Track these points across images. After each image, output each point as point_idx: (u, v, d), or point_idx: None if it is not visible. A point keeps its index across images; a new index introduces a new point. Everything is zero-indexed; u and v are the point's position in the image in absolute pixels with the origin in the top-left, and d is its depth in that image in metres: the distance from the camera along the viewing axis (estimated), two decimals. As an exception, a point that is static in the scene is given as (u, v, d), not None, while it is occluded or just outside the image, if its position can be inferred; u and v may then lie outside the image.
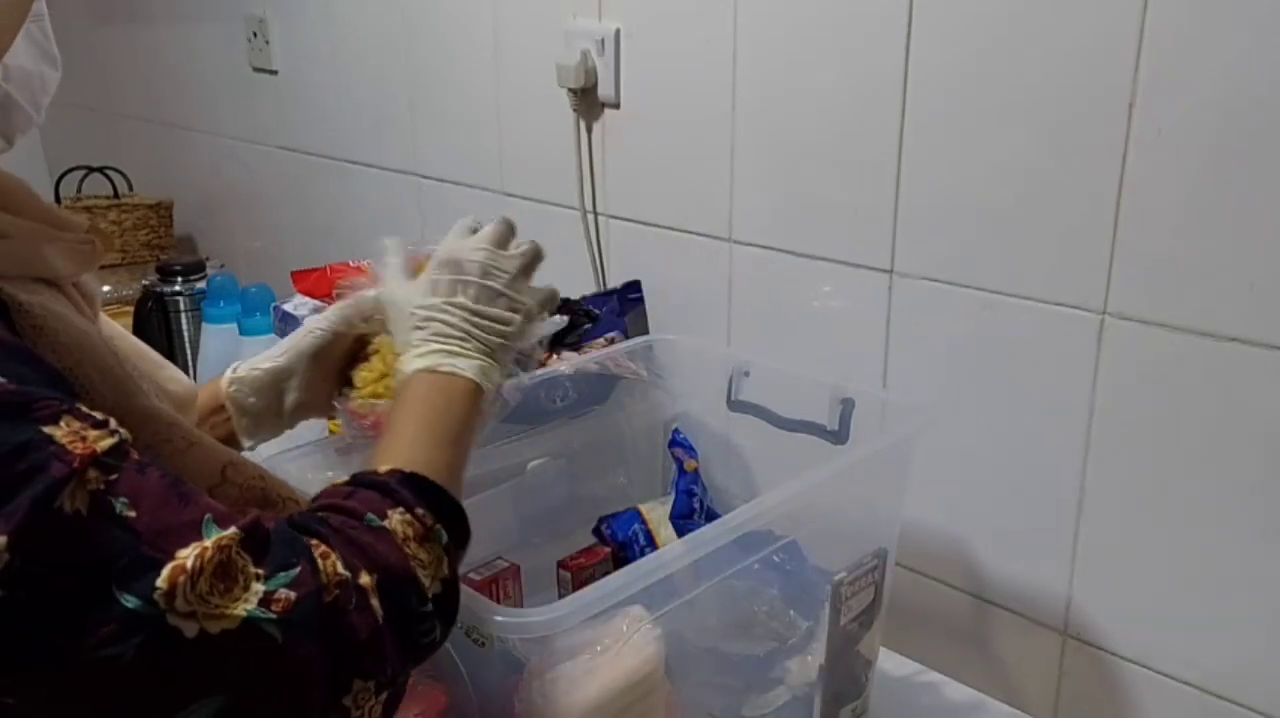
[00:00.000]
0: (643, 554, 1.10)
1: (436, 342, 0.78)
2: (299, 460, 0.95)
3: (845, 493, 0.99)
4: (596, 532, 1.15)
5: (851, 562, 0.96)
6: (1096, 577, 1.07)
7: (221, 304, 1.65)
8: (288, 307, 1.39)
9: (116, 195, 2.33)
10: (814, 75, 1.18)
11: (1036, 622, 1.12)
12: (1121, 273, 0.98)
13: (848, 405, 1.07)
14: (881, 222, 1.14)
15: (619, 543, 1.14)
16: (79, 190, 2.34)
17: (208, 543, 0.52)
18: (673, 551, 0.83)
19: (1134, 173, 0.96)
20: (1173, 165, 0.93)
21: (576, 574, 1.10)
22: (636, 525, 1.15)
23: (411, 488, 0.66)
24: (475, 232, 0.85)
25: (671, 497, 1.18)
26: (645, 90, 1.37)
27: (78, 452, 0.51)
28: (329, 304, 1.33)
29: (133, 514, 0.52)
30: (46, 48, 0.70)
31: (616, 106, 1.40)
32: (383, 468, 0.67)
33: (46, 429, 0.51)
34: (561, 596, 1.04)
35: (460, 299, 0.79)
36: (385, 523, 0.62)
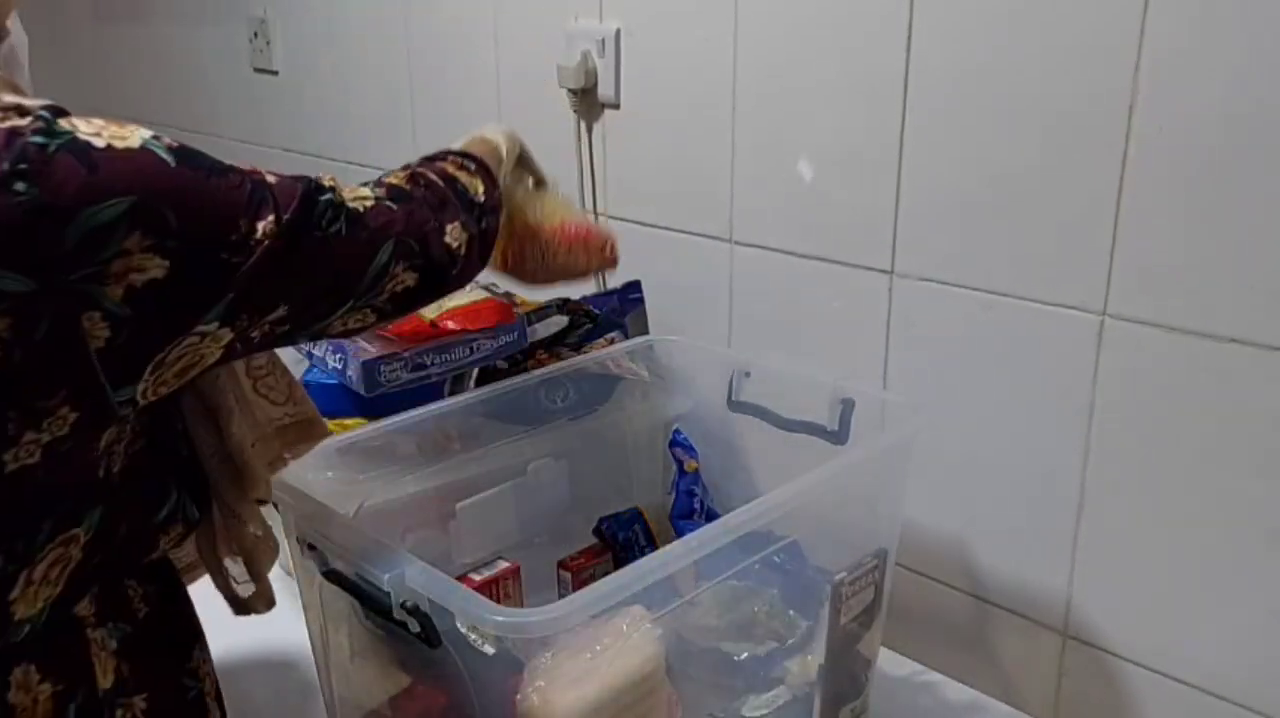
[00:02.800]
0: (643, 554, 1.10)
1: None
2: (299, 462, 0.95)
3: (845, 493, 0.99)
4: (597, 532, 1.16)
5: (851, 562, 0.96)
6: (1096, 577, 1.07)
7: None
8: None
9: (117, 195, 2.32)
10: (814, 75, 1.18)
11: (1036, 622, 1.12)
12: (1121, 274, 0.98)
13: (848, 406, 1.07)
14: (882, 222, 1.15)
15: (619, 543, 1.14)
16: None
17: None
18: (673, 551, 0.83)
19: (1134, 173, 0.96)
20: (1173, 166, 0.93)
21: (576, 574, 1.10)
22: (637, 526, 1.15)
23: (475, 160, 0.89)
24: None
25: (672, 497, 1.18)
26: (645, 91, 1.37)
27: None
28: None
29: (275, 179, 0.71)
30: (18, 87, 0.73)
31: (617, 107, 1.40)
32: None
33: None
34: (561, 595, 1.05)
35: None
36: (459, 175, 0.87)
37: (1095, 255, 0.99)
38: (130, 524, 0.73)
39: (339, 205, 0.71)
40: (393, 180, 0.80)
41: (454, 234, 0.80)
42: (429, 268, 0.77)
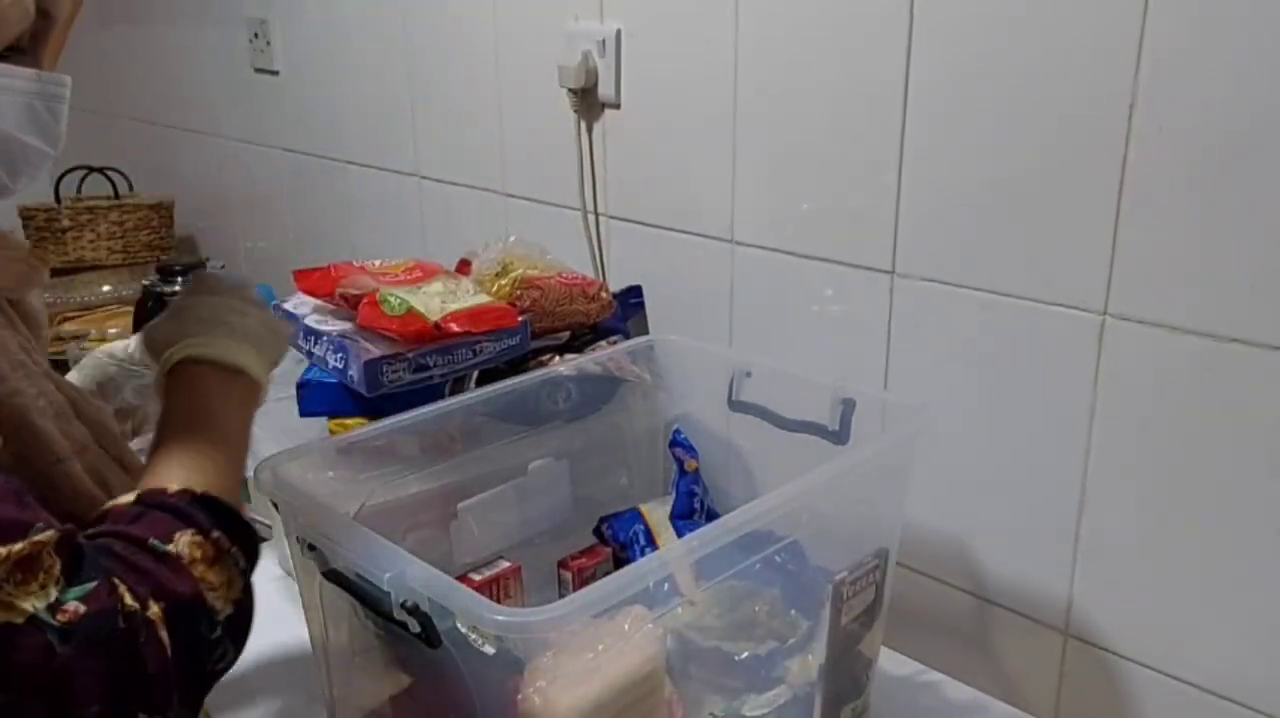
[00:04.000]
0: (643, 554, 1.10)
1: (198, 329, 0.77)
2: (299, 459, 0.95)
3: (846, 493, 0.99)
4: (597, 532, 1.16)
5: (852, 562, 0.96)
6: (1098, 577, 1.07)
7: (222, 304, 1.65)
8: (288, 305, 1.39)
9: (117, 196, 2.33)
10: (815, 76, 1.18)
11: (1037, 622, 1.12)
12: (1122, 273, 0.98)
13: (848, 406, 1.07)
14: (882, 222, 1.14)
15: (619, 543, 1.14)
16: (79, 190, 2.34)
17: (19, 543, 0.54)
18: (673, 551, 0.83)
19: (1134, 173, 0.96)
20: (1173, 165, 0.93)
21: (577, 574, 1.10)
22: (637, 526, 1.15)
23: (205, 509, 0.65)
24: None
25: (672, 497, 1.18)
26: (646, 91, 1.37)
27: None
28: (330, 303, 1.34)
29: None
30: (46, 124, 0.71)
31: (617, 107, 1.40)
32: (172, 487, 0.66)
33: None
34: (562, 595, 1.04)
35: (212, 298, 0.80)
36: (171, 547, 0.61)
37: (1096, 255, 0.99)
38: None
39: None
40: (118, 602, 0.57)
41: None
42: None
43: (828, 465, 0.96)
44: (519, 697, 0.78)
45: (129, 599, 0.57)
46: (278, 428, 1.19)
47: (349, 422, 1.17)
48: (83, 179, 2.32)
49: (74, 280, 2.06)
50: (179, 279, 1.88)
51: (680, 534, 1.11)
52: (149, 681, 0.56)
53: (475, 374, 1.21)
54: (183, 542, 0.62)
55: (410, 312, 1.17)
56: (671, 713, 0.88)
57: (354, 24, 1.80)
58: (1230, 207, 0.91)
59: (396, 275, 1.31)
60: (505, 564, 1.03)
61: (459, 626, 0.77)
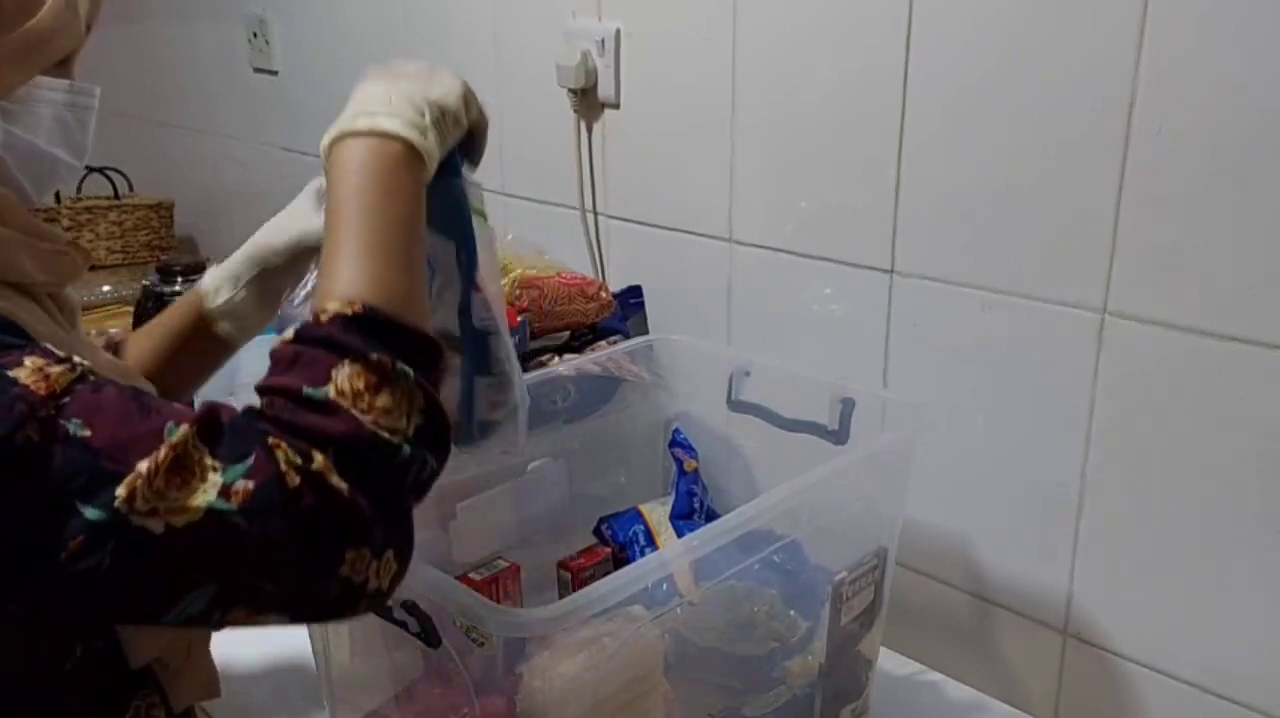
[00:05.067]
0: (643, 554, 1.10)
1: (356, 108, 0.72)
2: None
3: (846, 493, 0.99)
4: (597, 532, 1.16)
5: (852, 562, 0.96)
6: (1097, 576, 1.06)
7: (222, 304, 1.65)
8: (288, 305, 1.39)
9: (117, 196, 2.33)
10: (814, 75, 1.18)
11: (1037, 621, 1.12)
12: (1121, 272, 0.98)
13: (848, 405, 1.07)
14: (882, 222, 1.14)
15: (619, 543, 1.14)
16: (79, 190, 2.34)
17: (162, 447, 0.54)
18: (673, 551, 0.83)
19: (1134, 172, 0.96)
20: (1173, 165, 0.93)
21: (576, 574, 1.10)
22: (637, 526, 1.15)
23: (360, 332, 0.60)
24: None
25: (672, 497, 1.18)
26: (645, 90, 1.37)
27: (40, 392, 0.54)
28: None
29: (88, 433, 0.54)
30: (74, 136, 0.71)
31: (617, 107, 1.40)
32: (329, 308, 0.61)
33: (12, 373, 0.54)
34: (562, 596, 1.04)
35: (384, 76, 0.75)
36: (327, 390, 0.58)
37: (1095, 254, 0.99)
38: None
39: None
40: (282, 467, 0.57)
41: (357, 564, 0.58)
42: (301, 615, 0.61)
43: (827, 465, 0.96)
44: (518, 697, 0.79)
45: (292, 456, 0.56)
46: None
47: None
48: (82, 179, 2.31)
49: (74, 280, 2.06)
50: (179, 279, 1.88)
51: (680, 534, 1.11)
52: (336, 525, 0.56)
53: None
54: (341, 377, 0.59)
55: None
56: (670, 714, 0.88)
57: (354, 23, 1.80)
58: (1230, 207, 0.91)
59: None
60: (505, 564, 1.02)
61: (459, 626, 0.77)
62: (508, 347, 0.82)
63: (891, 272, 1.15)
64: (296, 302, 0.96)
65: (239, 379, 1.12)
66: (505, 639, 0.77)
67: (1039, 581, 1.11)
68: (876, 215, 1.15)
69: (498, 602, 0.95)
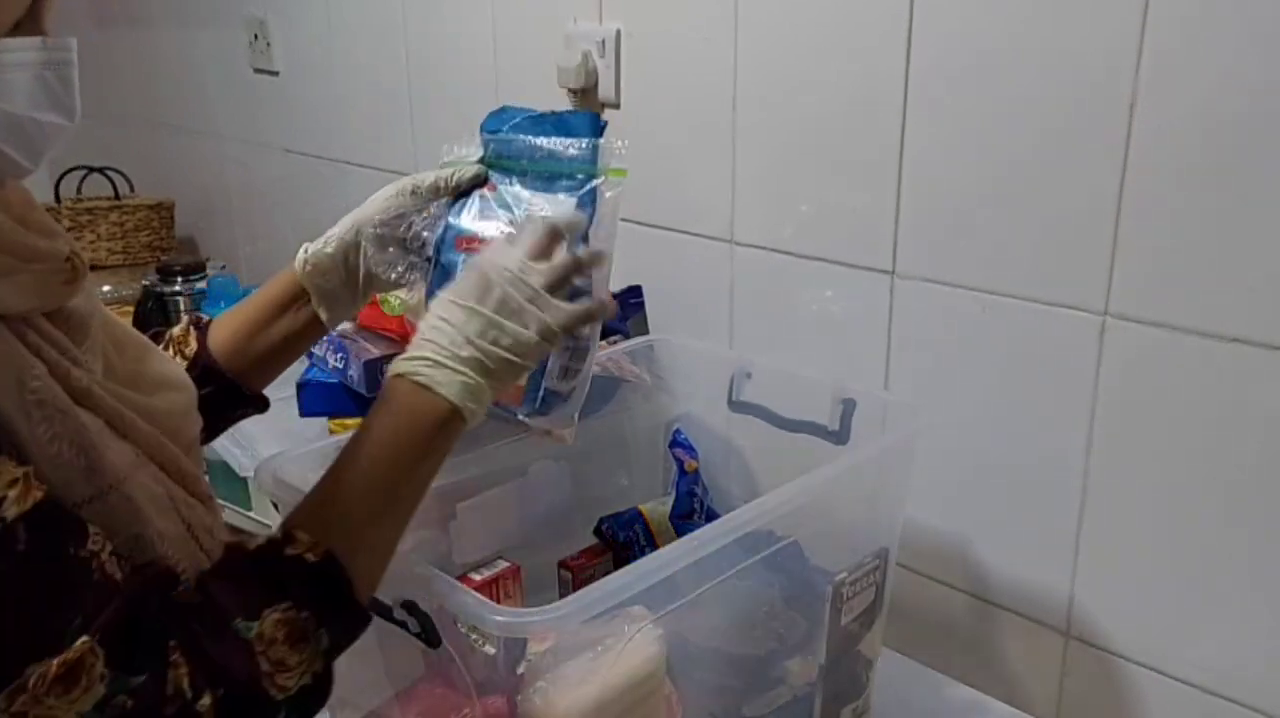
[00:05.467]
0: (643, 554, 1.10)
1: (430, 347, 0.72)
2: (299, 462, 0.95)
3: (846, 493, 0.99)
4: (597, 532, 1.15)
5: (852, 562, 0.96)
6: (1098, 577, 1.06)
7: (222, 305, 1.65)
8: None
9: (117, 196, 2.33)
10: (815, 76, 1.18)
11: (1038, 622, 1.12)
12: (1122, 274, 0.98)
13: (849, 406, 1.07)
14: (883, 223, 1.14)
15: (619, 543, 1.14)
16: (79, 191, 2.34)
17: (55, 660, 0.54)
18: (673, 551, 0.83)
19: (1135, 173, 0.96)
20: (1173, 166, 0.93)
21: (577, 574, 1.10)
22: (637, 526, 1.15)
23: (311, 587, 0.63)
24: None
25: (672, 497, 1.18)
26: (646, 91, 1.37)
27: None
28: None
29: None
30: (59, 96, 0.66)
31: (617, 107, 1.40)
32: (300, 538, 0.64)
33: None
34: (562, 596, 1.04)
35: (473, 304, 0.73)
36: (252, 627, 0.61)
37: (1097, 255, 0.99)
38: None
39: None
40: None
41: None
42: None
43: (828, 466, 0.96)
44: (519, 697, 0.78)
45: (185, 685, 0.57)
46: (278, 428, 1.19)
47: (349, 422, 1.17)
48: (83, 179, 2.32)
49: (74, 281, 2.06)
50: (179, 279, 1.89)
51: (680, 534, 1.11)
52: None
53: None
54: (269, 620, 0.61)
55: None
56: (671, 713, 0.88)
57: (354, 25, 1.80)
58: (1230, 207, 0.91)
59: (396, 275, 1.30)
60: (505, 564, 1.02)
61: (459, 626, 0.77)
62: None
63: (892, 273, 1.15)
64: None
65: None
66: (505, 639, 0.77)
67: (1040, 581, 1.11)
68: (877, 217, 1.15)
69: (498, 602, 0.95)
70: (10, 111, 0.62)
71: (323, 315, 0.92)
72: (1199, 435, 0.97)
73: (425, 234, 0.90)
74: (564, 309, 0.75)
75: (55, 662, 0.54)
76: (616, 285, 1.39)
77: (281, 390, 1.05)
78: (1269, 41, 0.87)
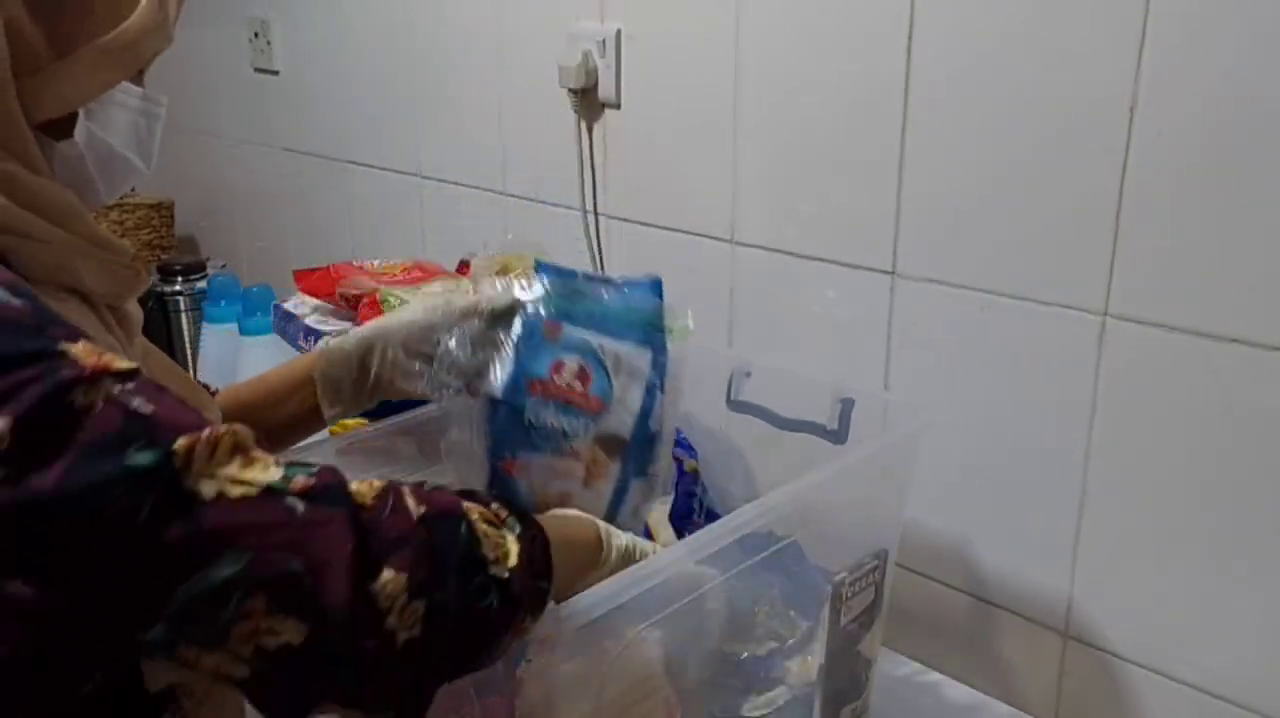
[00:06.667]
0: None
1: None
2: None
3: (846, 493, 0.99)
4: (597, 532, 1.15)
5: (852, 562, 0.96)
6: (1098, 578, 1.06)
7: (222, 304, 1.65)
8: (288, 305, 1.39)
9: (118, 195, 2.33)
10: (816, 76, 1.18)
11: (1037, 623, 1.12)
12: (1123, 274, 0.98)
13: (848, 406, 1.07)
14: (883, 223, 1.14)
15: (619, 543, 1.14)
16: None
17: (225, 428, 0.53)
18: (673, 551, 0.83)
19: (1135, 174, 0.96)
20: (1173, 166, 0.93)
21: (577, 574, 1.10)
22: (637, 526, 1.15)
23: (513, 513, 0.65)
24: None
25: (672, 497, 1.18)
26: (646, 91, 1.37)
27: (90, 364, 0.52)
28: (330, 303, 1.34)
29: (150, 409, 0.52)
30: (145, 143, 0.73)
31: (617, 107, 1.40)
32: (534, 534, 0.66)
33: (63, 345, 0.52)
34: (562, 596, 1.04)
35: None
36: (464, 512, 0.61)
37: (1096, 255, 0.99)
38: None
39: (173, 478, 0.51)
40: (352, 487, 0.56)
41: (390, 587, 0.54)
42: (320, 625, 0.52)
43: (827, 465, 0.96)
44: (518, 697, 0.78)
45: (376, 484, 0.56)
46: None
47: (349, 422, 1.17)
48: (83, 179, 2.32)
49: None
50: (179, 279, 1.89)
51: (680, 535, 1.11)
52: (392, 540, 0.55)
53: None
54: (513, 551, 0.62)
55: (410, 312, 1.17)
56: (670, 714, 0.88)
57: (355, 23, 1.80)
58: (1230, 206, 0.91)
59: (396, 275, 1.31)
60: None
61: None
62: (669, 454, 0.91)
63: (893, 273, 1.15)
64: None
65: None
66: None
67: (1039, 582, 1.11)
68: (878, 217, 1.15)
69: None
70: (110, 143, 0.69)
71: (324, 407, 0.93)
72: (1199, 435, 0.97)
73: (456, 352, 0.91)
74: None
75: (224, 432, 0.52)
76: (616, 285, 1.39)
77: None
78: (1269, 41, 0.87)
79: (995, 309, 1.08)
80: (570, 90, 1.42)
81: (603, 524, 0.79)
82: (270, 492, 0.52)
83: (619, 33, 1.37)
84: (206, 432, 0.52)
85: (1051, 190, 1.01)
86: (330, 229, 1.96)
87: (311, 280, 1.38)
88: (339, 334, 0.95)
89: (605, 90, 1.40)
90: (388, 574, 0.54)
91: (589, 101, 1.42)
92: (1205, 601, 0.99)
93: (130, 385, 0.52)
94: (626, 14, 1.36)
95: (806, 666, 0.99)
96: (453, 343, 0.91)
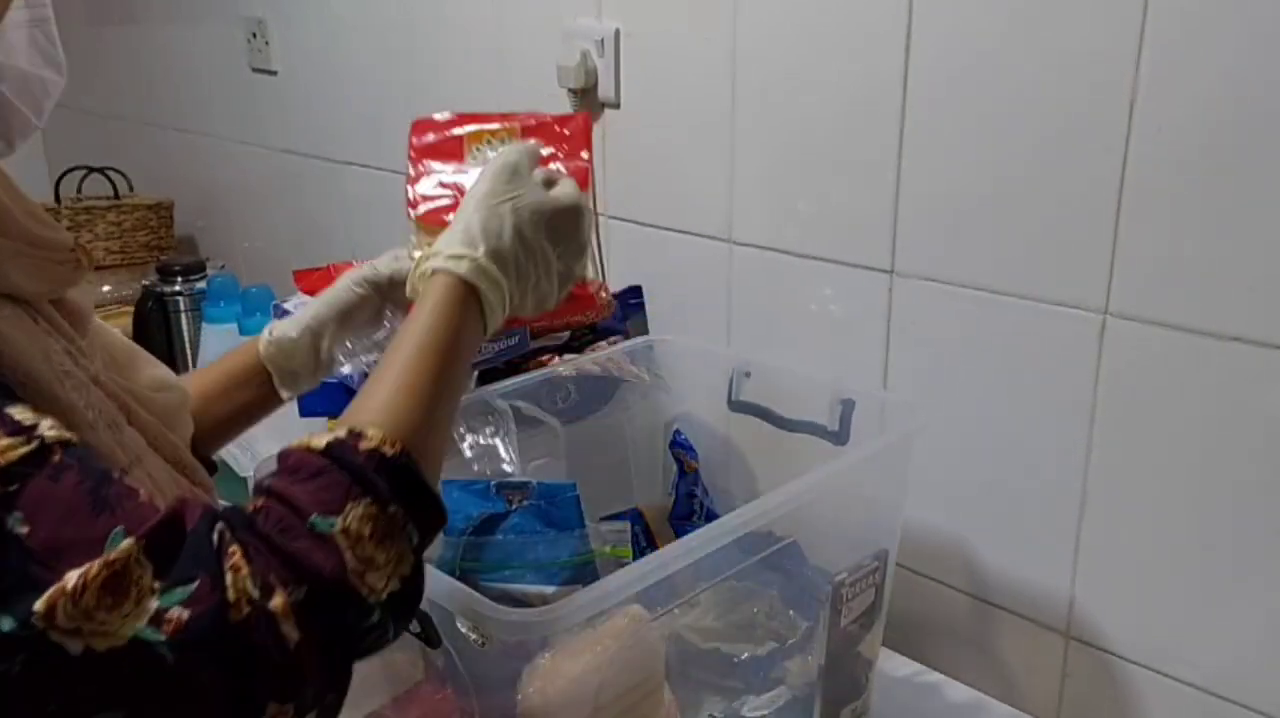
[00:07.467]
0: (643, 554, 1.10)
1: (462, 237, 0.74)
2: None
3: (845, 493, 0.99)
4: (597, 532, 1.15)
5: (852, 563, 0.96)
6: (1099, 577, 1.06)
7: (222, 304, 1.65)
8: (288, 305, 1.39)
9: (116, 196, 2.33)
10: (814, 75, 1.18)
11: (1038, 623, 1.12)
12: (1122, 273, 0.98)
13: (848, 406, 1.07)
14: (881, 222, 1.14)
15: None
16: (79, 190, 2.34)
17: (96, 561, 0.50)
18: (673, 551, 0.83)
19: (1135, 172, 0.96)
20: (1173, 165, 0.93)
21: (577, 575, 1.10)
22: (636, 526, 1.15)
23: (389, 477, 0.59)
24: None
25: (672, 498, 1.18)
26: (645, 91, 1.37)
27: None
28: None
29: (25, 531, 0.49)
30: (50, 52, 0.68)
31: (616, 107, 1.40)
32: (370, 434, 0.60)
33: None
34: (562, 596, 1.04)
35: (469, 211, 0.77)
36: (334, 522, 0.56)
37: (1096, 254, 0.99)
38: None
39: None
40: (230, 613, 0.52)
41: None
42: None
43: (827, 465, 0.96)
44: (519, 697, 0.78)
45: (250, 586, 0.52)
46: (278, 428, 1.19)
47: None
48: (82, 179, 2.32)
49: (73, 281, 2.05)
50: (178, 279, 1.88)
51: (680, 536, 1.11)
52: (271, 672, 0.52)
53: (475, 375, 1.20)
54: (352, 515, 0.56)
55: (409, 312, 1.17)
56: (670, 714, 0.88)
57: (352, 24, 1.80)
58: (1230, 206, 0.91)
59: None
60: (505, 565, 1.02)
61: (459, 626, 0.77)
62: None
63: (891, 272, 1.15)
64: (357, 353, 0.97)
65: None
66: (505, 640, 0.77)
67: (1040, 582, 1.11)
68: (876, 216, 1.15)
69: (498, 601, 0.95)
70: (20, 68, 0.65)
71: (283, 393, 0.93)
72: (1199, 435, 0.97)
73: (366, 328, 0.96)
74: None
75: (98, 562, 0.49)
76: (616, 285, 1.39)
77: (281, 391, 1.05)
78: (1269, 41, 0.87)
79: (994, 308, 1.07)
80: (569, 90, 1.42)
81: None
82: (138, 643, 0.49)
83: (618, 32, 1.37)
84: (75, 579, 0.49)
85: (1051, 189, 1.01)
86: (329, 229, 1.96)
87: (311, 280, 1.37)
88: (281, 323, 0.95)
89: (604, 90, 1.39)
90: (274, 708, 0.53)
91: (588, 101, 1.42)
92: (1206, 600, 0.99)
93: (14, 488, 0.50)
94: (625, 13, 1.36)
95: (806, 666, 0.99)
96: (390, 321, 0.95)
